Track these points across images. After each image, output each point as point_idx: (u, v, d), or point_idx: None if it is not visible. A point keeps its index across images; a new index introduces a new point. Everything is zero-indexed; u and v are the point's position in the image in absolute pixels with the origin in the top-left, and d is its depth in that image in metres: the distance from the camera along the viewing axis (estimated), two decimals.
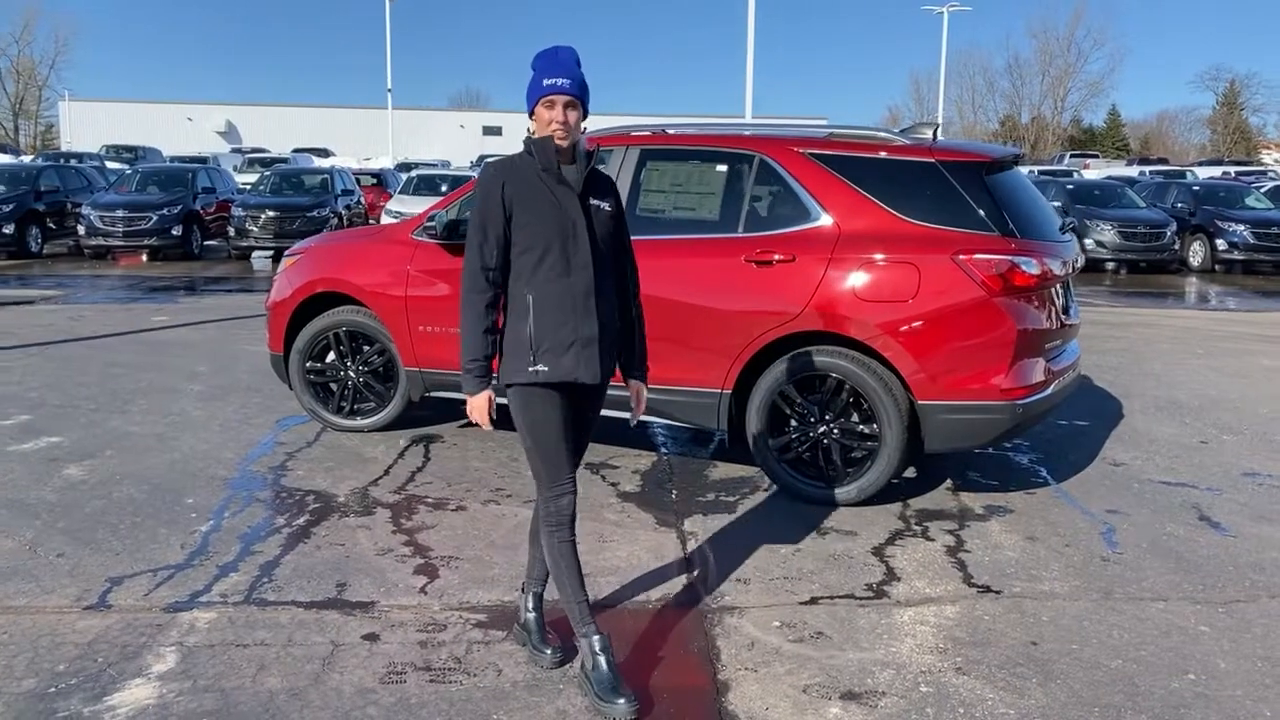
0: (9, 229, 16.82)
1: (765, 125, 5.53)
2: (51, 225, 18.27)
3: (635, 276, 3.31)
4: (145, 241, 16.87)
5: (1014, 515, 4.83)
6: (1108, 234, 17.74)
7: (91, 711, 3.00)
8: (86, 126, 56.95)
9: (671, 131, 5.43)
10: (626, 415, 3.48)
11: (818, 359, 4.81)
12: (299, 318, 6.07)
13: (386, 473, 5.35)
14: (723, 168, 5.20)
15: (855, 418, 4.83)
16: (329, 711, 3.03)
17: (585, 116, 3.06)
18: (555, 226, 2.99)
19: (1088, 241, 17.90)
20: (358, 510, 4.78)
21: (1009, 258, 4.57)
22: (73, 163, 24.05)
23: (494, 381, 3.07)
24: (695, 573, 4.13)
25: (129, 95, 67.07)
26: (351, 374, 6.02)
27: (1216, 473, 5.54)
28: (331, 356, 6.04)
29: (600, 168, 3.32)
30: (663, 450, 5.85)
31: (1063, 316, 5.00)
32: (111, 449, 5.68)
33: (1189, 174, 30.24)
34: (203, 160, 26.62)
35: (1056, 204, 19.05)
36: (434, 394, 5.80)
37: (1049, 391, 4.79)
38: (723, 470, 5.47)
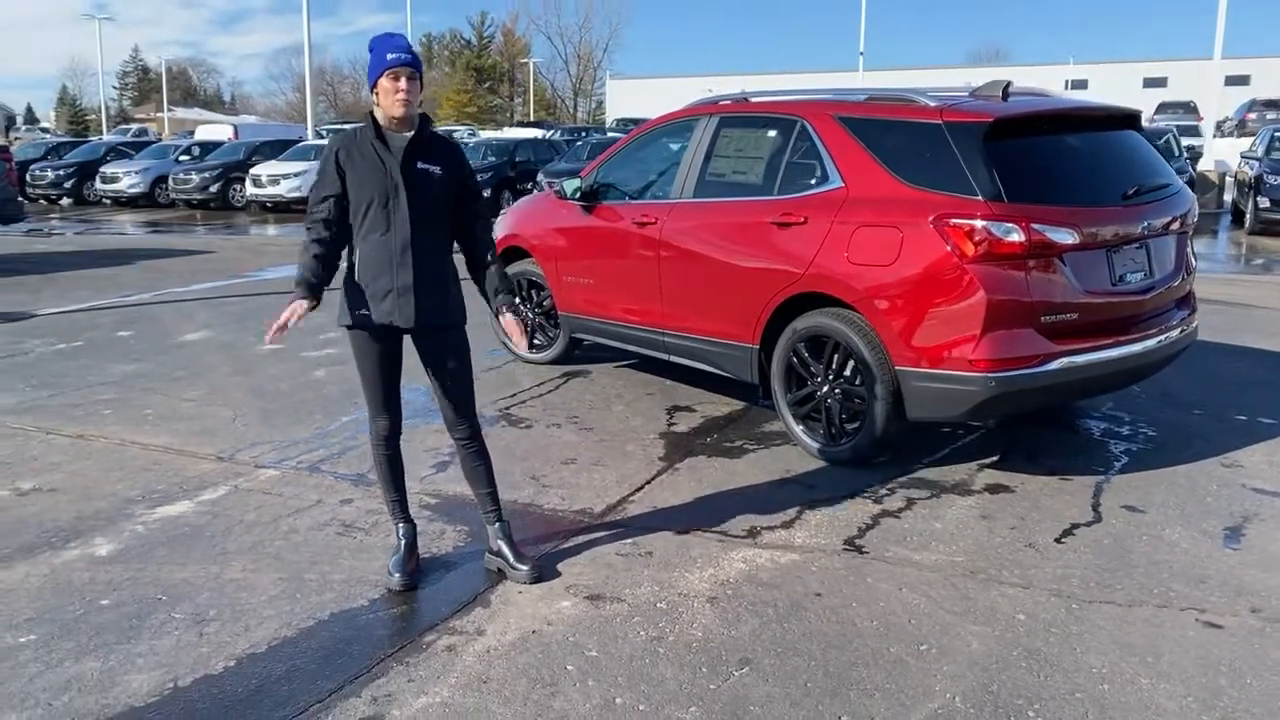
0: (487, 193, 20.73)
1: (835, 90, 5.52)
2: (527, 189, 22.09)
3: (482, 225, 3.78)
4: None
5: (1006, 496, 4.59)
6: None
7: (143, 511, 4.52)
8: (628, 102, 65.06)
9: (753, 100, 5.76)
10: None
11: (815, 320, 4.96)
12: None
13: (512, 395, 6.45)
14: (773, 133, 5.45)
15: (858, 380, 4.91)
16: (252, 536, 4.24)
17: (421, 89, 3.63)
18: (378, 188, 3.53)
19: None
20: None
21: (985, 223, 4.36)
22: (546, 135, 28.36)
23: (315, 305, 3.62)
24: (629, 498, 4.67)
25: (663, 72, 74.92)
26: (530, 315, 7.19)
27: None
28: (518, 300, 7.27)
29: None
30: (761, 402, 6.21)
31: (1093, 287, 4.54)
32: None
33: None
34: None
35: None
36: (577, 336, 6.78)
37: (1047, 368, 4.45)
38: (780, 424, 5.74)
